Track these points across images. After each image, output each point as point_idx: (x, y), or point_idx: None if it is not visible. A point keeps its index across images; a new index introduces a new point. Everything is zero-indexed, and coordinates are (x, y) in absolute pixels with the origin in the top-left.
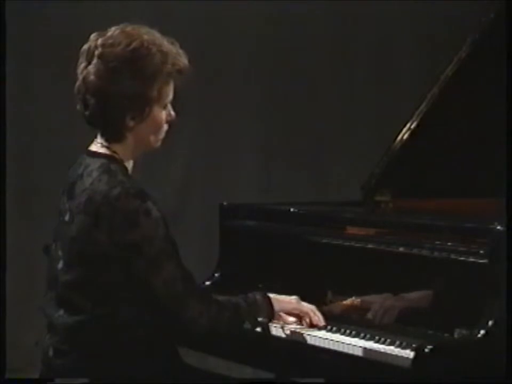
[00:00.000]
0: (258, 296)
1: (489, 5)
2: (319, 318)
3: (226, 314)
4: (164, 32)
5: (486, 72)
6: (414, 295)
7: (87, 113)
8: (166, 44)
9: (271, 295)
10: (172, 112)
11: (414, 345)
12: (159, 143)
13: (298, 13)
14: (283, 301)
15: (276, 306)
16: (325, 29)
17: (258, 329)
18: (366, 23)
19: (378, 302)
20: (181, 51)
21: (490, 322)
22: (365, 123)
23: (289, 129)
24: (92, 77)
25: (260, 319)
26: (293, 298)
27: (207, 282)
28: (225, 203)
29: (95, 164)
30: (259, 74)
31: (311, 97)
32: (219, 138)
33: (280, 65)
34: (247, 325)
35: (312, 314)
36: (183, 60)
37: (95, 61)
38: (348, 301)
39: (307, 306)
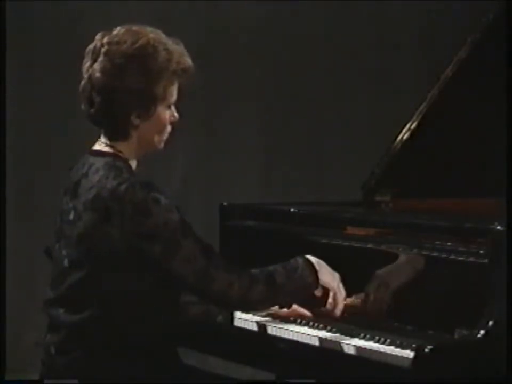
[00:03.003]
0: (300, 260)
1: (489, 5)
2: (339, 310)
3: (260, 284)
4: (164, 33)
5: (486, 72)
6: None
7: (92, 111)
8: (171, 43)
9: (314, 259)
10: (176, 114)
11: (414, 345)
12: (162, 144)
13: (298, 13)
14: (327, 271)
15: (321, 272)
16: (324, 28)
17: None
18: (366, 23)
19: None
20: (185, 51)
21: (490, 322)
22: (365, 123)
23: (289, 129)
24: (97, 74)
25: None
26: (337, 275)
27: None
28: (225, 203)
29: (99, 162)
30: (259, 74)
31: (311, 97)
32: (219, 138)
33: (281, 65)
34: (294, 294)
35: (341, 304)
36: (188, 60)
37: (101, 58)
38: (348, 301)
39: (342, 295)
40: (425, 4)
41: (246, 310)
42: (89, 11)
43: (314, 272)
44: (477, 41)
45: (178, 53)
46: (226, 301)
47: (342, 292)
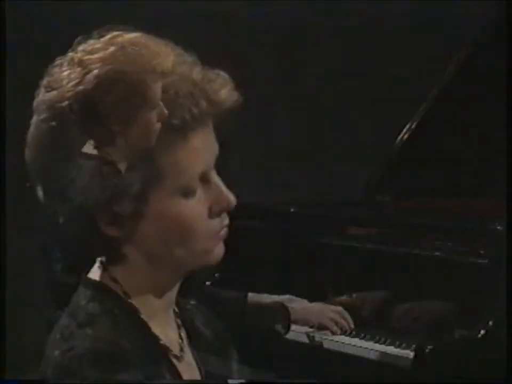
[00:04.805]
0: (276, 303)
1: (489, 5)
2: (347, 323)
3: (228, 311)
4: (163, 34)
5: (486, 72)
6: (436, 307)
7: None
8: (149, 45)
9: (290, 305)
10: (165, 111)
11: (414, 345)
12: (153, 142)
13: (298, 13)
14: (305, 314)
15: (294, 316)
16: (324, 27)
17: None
18: (365, 23)
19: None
20: (166, 50)
21: (490, 322)
22: (365, 123)
23: (290, 129)
24: (72, 84)
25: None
26: (316, 308)
27: (207, 283)
28: None
29: (87, 166)
30: (259, 73)
31: (311, 97)
32: (219, 138)
33: (281, 64)
34: (262, 325)
35: (335, 327)
36: (167, 60)
37: (74, 69)
38: (348, 301)
39: (329, 322)
40: (425, 4)
41: None
42: (90, 11)
43: (288, 314)
44: (477, 41)
45: (155, 54)
46: None
47: (327, 320)
